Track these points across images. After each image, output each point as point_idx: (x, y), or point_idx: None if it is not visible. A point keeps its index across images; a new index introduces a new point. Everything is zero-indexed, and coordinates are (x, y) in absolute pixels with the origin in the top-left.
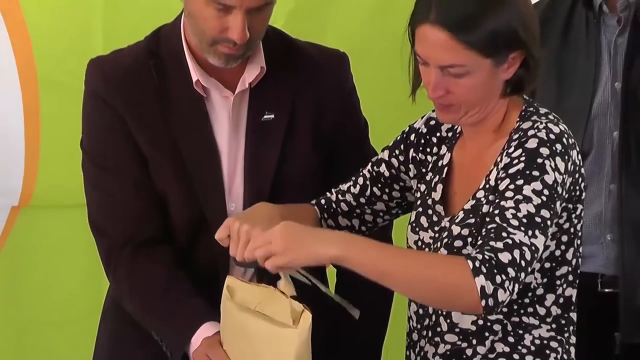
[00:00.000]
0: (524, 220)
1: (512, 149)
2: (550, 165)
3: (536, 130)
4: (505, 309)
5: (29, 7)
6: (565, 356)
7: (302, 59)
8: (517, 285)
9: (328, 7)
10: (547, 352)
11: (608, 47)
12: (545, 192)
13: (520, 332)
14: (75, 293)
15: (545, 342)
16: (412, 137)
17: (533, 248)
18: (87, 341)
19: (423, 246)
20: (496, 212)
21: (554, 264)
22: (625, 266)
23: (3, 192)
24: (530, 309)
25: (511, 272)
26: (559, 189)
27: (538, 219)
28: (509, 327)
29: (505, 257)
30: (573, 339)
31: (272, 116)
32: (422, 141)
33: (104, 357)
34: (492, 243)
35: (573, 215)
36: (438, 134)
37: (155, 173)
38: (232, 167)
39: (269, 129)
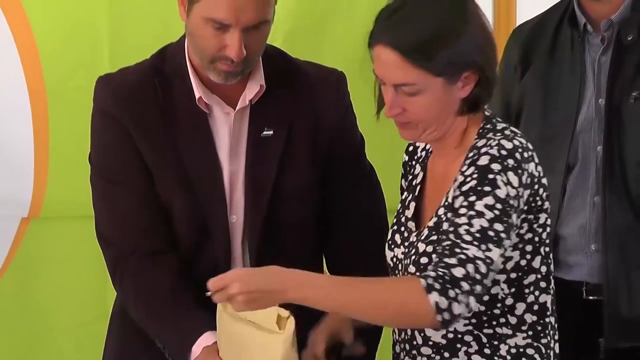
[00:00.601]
0: (477, 235)
1: (466, 167)
2: (502, 180)
3: (488, 148)
4: (474, 320)
5: (38, 26)
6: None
7: (301, 77)
8: (473, 298)
9: (324, 27)
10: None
11: (592, 65)
12: (498, 206)
13: (495, 342)
14: (83, 300)
15: (521, 350)
16: (403, 171)
17: (488, 261)
18: (95, 346)
19: (398, 262)
20: (451, 229)
21: (520, 274)
22: (609, 275)
23: (13, 204)
24: (502, 319)
25: (465, 285)
26: (513, 202)
27: (491, 233)
28: (484, 339)
29: (458, 272)
30: (553, 344)
31: (271, 132)
32: (407, 169)
33: (118, 353)
34: (446, 260)
35: (535, 225)
36: (416, 157)
37: (160, 186)
38: (233, 180)
39: (268, 144)
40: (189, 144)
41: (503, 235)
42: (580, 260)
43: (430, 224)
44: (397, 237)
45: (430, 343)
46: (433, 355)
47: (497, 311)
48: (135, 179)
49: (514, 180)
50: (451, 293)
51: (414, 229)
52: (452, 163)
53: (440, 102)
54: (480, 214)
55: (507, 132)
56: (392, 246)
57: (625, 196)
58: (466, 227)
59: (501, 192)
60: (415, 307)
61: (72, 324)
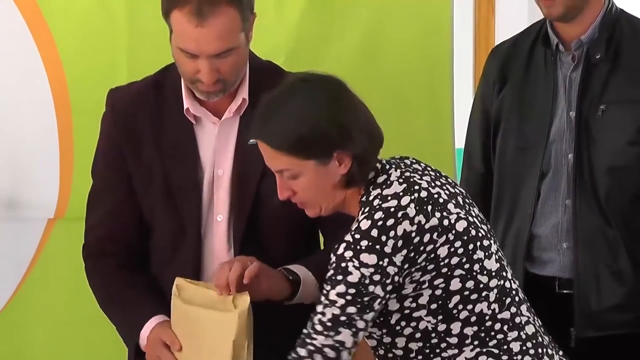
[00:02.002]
0: (328, 324)
1: (332, 253)
2: (354, 265)
3: (348, 232)
4: (420, 357)
5: (64, 47)
6: (505, 357)
7: None
8: None
9: (322, 48)
10: None
11: (564, 81)
12: (351, 291)
13: None
14: None
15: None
16: None
17: (337, 345)
18: (115, 333)
19: None
20: (310, 318)
21: (440, 302)
22: (579, 270)
23: (40, 206)
24: (443, 344)
25: None
26: (375, 277)
27: (343, 318)
28: None
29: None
30: (511, 336)
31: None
32: None
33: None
34: (298, 350)
35: (437, 257)
36: None
37: (143, 190)
38: (218, 182)
39: (253, 152)
40: (173, 151)
41: (356, 316)
42: (553, 257)
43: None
44: None
45: None
46: None
47: (434, 340)
48: (117, 186)
49: (370, 259)
50: None
51: None
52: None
53: (318, 182)
54: (332, 302)
55: (375, 201)
56: None
57: (594, 199)
58: (319, 316)
59: (353, 278)
60: None
61: (95, 315)
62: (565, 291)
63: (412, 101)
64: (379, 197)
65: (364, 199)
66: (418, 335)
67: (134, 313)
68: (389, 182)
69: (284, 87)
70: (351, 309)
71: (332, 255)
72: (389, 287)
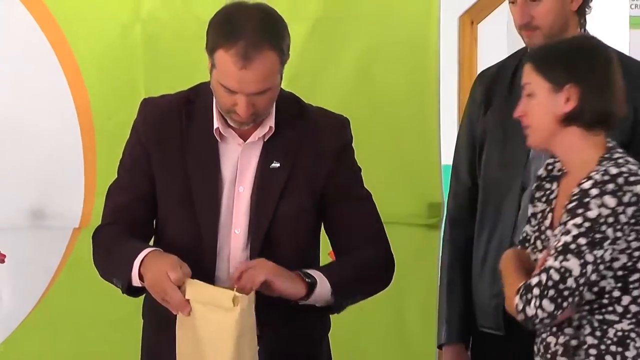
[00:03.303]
0: (559, 249)
1: (576, 189)
2: (596, 203)
3: (595, 173)
4: (587, 307)
5: (87, 74)
6: None
7: (308, 121)
8: (546, 301)
9: (321, 74)
10: (627, 341)
11: None
12: (586, 224)
13: (605, 327)
14: (125, 297)
15: (626, 333)
16: (536, 182)
17: (562, 270)
18: (134, 334)
19: None
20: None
21: (626, 272)
22: None
23: (66, 217)
24: (610, 308)
25: (535, 291)
26: (608, 219)
27: (573, 246)
28: (595, 324)
29: (534, 280)
30: None
31: (278, 165)
32: (541, 182)
33: (150, 345)
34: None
35: None
36: (552, 174)
37: (162, 193)
38: (239, 200)
39: (274, 174)
40: (198, 166)
41: (585, 248)
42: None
43: (556, 231)
44: (539, 243)
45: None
46: (559, 334)
47: (605, 301)
48: (136, 184)
49: (611, 202)
50: (525, 298)
51: (550, 236)
52: (576, 183)
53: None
54: (568, 231)
55: (620, 160)
56: (535, 250)
57: None
58: (555, 242)
59: (592, 213)
60: (513, 306)
61: (116, 316)
62: None
63: (403, 121)
64: (625, 159)
65: (607, 155)
66: (596, 289)
67: (128, 249)
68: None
69: None
70: (582, 240)
71: (576, 187)
72: (618, 234)
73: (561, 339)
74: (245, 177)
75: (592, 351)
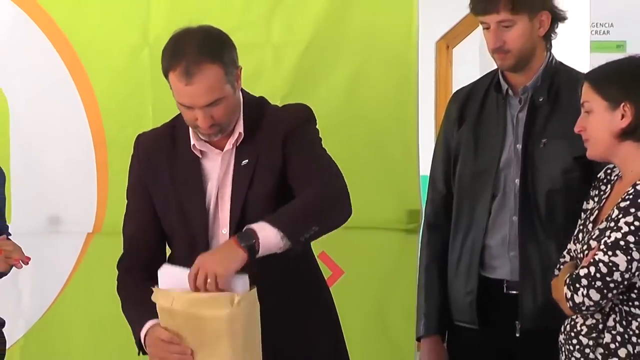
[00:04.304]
0: (609, 244)
1: (630, 188)
2: None
3: None
4: (618, 299)
5: (100, 93)
6: None
7: (269, 117)
8: (593, 291)
9: (312, 92)
10: None
11: (512, 120)
12: (637, 223)
13: (630, 318)
14: None
15: None
16: (595, 182)
17: (610, 264)
18: None
19: (576, 255)
20: (600, 238)
21: None
22: (523, 275)
23: (80, 222)
24: (636, 302)
25: (584, 281)
26: None
27: (622, 243)
28: (623, 314)
29: (583, 271)
30: None
31: (247, 161)
32: (599, 183)
33: None
34: (583, 262)
35: None
36: (608, 177)
37: (163, 213)
38: (222, 202)
39: (243, 170)
40: (184, 182)
41: (633, 245)
42: (502, 263)
43: (601, 226)
44: (580, 236)
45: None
46: (595, 320)
47: (634, 295)
48: (141, 213)
49: None
50: (573, 287)
51: (591, 229)
52: (628, 187)
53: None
54: (618, 229)
55: None
56: (575, 241)
57: (536, 217)
58: (605, 238)
59: None
60: (562, 295)
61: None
62: (512, 291)
63: (385, 135)
64: None
65: None
66: (626, 283)
67: (138, 315)
68: None
69: None
70: (631, 238)
71: (631, 188)
72: None
73: (588, 321)
74: (227, 180)
75: (618, 337)
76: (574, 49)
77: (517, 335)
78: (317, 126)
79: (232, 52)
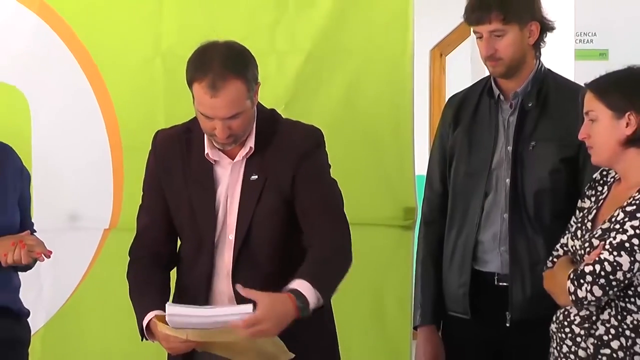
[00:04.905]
0: (615, 245)
1: (636, 193)
2: None
3: None
4: (615, 295)
5: (116, 99)
6: None
7: (281, 135)
8: (596, 287)
9: (314, 98)
10: (639, 331)
11: (503, 123)
12: None
13: (625, 313)
14: None
15: (639, 323)
16: (592, 183)
17: (614, 263)
18: None
19: (575, 251)
20: (605, 237)
21: None
22: (513, 268)
23: (98, 219)
24: (632, 299)
25: (588, 278)
26: None
27: (627, 244)
28: (618, 309)
29: (588, 268)
30: None
31: (257, 177)
32: (595, 185)
33: None
34: (586, 259)
35: None
36: (605, 179)
37: (174, 214)
38: (230, 209)
39: (253, 185)
40: (197, 186)
41: (637, 248)
42: (493, 258)
43: (604, 226)
44: (579, 233)
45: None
46: (589, 312)
47: (630, 292)
48: (153, 208)
49: None
50: (577, 282)
51: (590, 228)
52: (630, 190)
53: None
54: (624, 231)
55: None
56: (574, 237)
57: (525, 214)
58: (611, 239)
59: None
60: (560, 287)
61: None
62: (502, 284)
63: (382, 138)
64: None
65: None
66: (626, 282)
67: (142, 303)
68: None
69: None
70: (635, 241)
71: (637, 193)
72: None
73: (582, 312)
74: (235, 190)
75: (612, 330)
76: (560, 56)
77: (507, 324)
78: (325, 149)
79: (254, 69)
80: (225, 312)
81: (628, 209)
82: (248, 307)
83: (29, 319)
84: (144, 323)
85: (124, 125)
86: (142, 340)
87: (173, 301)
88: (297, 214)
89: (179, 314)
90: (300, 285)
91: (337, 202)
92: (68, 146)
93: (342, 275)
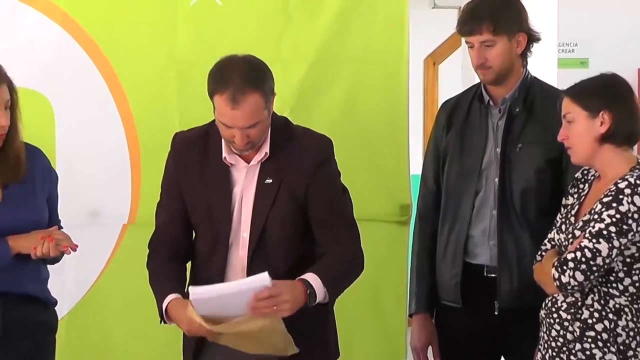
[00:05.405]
0: (594, 233)
1: (612, 186)
2: (627, 200)
3: (629, 176)
4: (597, 281)
5: (134, 104)
6: (634, 319)
7: (295, 143)
8: (578, 273)
9: (316, 102)
10: (622, 314)
11: (493, 127)
12: (617, 216)
13: (607, 298)
14: None
15: (622, 307)
16: (574, 181)
17: (594, 250)
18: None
19: (560, 243)
20: (585, 227)
21: (632, 260)
22: (501, 261)
23: (117, 215)
24: (614, 284)
25: (571, 264)
26: (634, 215)
27: (604, 232)
28: (601, 293)
29: (570, 256)
30: None
31: (271, 181)
32: (577, 183)
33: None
34: (569, 247)
35: None
36: (586, 178)
37: (191, 212)
38: (245, 210)
39: (267, 189)
40: (214, 187)
41: (614, 235)
42: (483, 251)
43: (584, 218)
44: (563, 227)
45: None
46: (574, 298)
47: (612, 278)
48: (171, 205)
49: (638, 201)
50: (561, 269)
51: (574, 222)
52: (608, 184)
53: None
54: (602, 220)
55: None
56: (559, 231)
57: (512, 211)
58: (590, 228)
59: (623, 208)
60: (548, 276)
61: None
62: (491, 275)
63: (380, 140)
64: None
65: (637, 167)
66: (607, 267)
67: (161, 288)
68: None
69: None
70: (612, 229)
71: (612, 185)
72: (639, 228)
73: (568, 299)
74: (250, 192)
75: (595, 314)
76: (544, 65)
77: (496, 313)
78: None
79: (270, 81)
80: (245, 282)
81: (605, 200)
82: (264, 276)
83: (55, 307)
84: (164, 306)
85: (141, 128)
86: (160, 322)
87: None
88: (311, 221)
89: (202, 293)
90: (310, 277)
91: (349, 210)
92: (89, 148)
93: (352, 280)
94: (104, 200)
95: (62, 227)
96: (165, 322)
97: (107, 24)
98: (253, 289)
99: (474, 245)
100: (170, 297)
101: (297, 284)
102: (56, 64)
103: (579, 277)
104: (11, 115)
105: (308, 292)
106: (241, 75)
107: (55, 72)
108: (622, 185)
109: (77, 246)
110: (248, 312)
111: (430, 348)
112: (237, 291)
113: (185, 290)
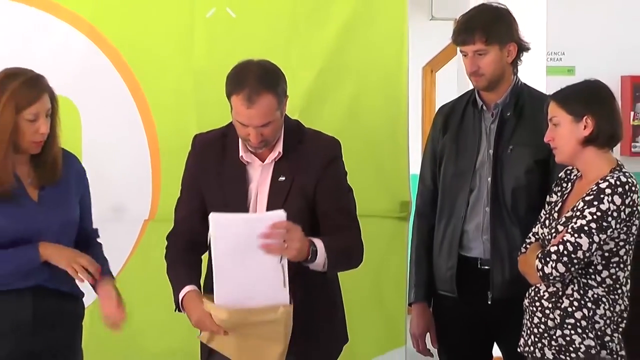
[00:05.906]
0: (576, 228)
1: (593, 186)
2: (608, 199)
3: (610, 177)
4: (578, 272)
5: (155, 109)
6: (611, 308)
7: (306, 144)
8: (560, 265)
9: (323, 107)
10: (599, 303)
11: (486, 130)
12: (598, 214)
13: (586, 289)
14: None
15: (599, 297)
16: (558, 181)
17: (575, 244)
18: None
19: (544, 237)
20: (568, 223)
21: (609, 254)
22: (493, 254)
23: (139, 211)
24: (592, 276)
25: (553, 257)
26: (613, 213)
27: (586, 228)
28: (581, 284)
29: (553, 248)
30: (621, 301)
31: (284, 179)
32: (561, 182)
33: None
34: (552, 241)
35: (629, 230)
36: (569, 177)
37: (210, 206)
38: (260, 205)
39: (280, 186)
40: (231, 184)
41: (595, 230)
42: (477, 245)
43: (567, 215)
44: (547, 222)
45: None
46: (555, 288)
47: (590, 270)
48: (190, 201)
49: (618, 200)
50: (544, 260)
51: (557, 217)
52: (590, 184)
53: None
54: (584, 217)
55: (626, 173)
56: (542, 226)
57: (504, 208)
58: (572, 224)
59: (603, 206)
60: (531, 267)
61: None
62: (484, 267)
63: (381, 142)
64: (629, 173)
65: (617, 168)
66: (586, 260)
67: (179, 279)
68: (630, 173)
69: None
70: (593, 225)
71: (594, 185)
72: (617, 225)
73: (550, 289)
74: (264, 189)
75: (575, 303)
76: (533, 72)
77: (489, 302)
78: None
79: (283, 84)
80: (263, 213)
81: (587, 198)
82: (281, 212)
83: (83, 299)
84: (180, 296)
85: (161, 132)
86: (175, 310)
87: (205, 282)
88: (318, 215)
89: (223, 217)
90: (316, 240)
91: (353, 207)
92: (113, 149)
93: (348, 266)
94: (126, 197)
95: (96, 230)
96: (179, 311)
97: (129, 36)
98: (270, 220)
99: (469, 240)
100: (187, 288)
101: (306, 238)
102: (83, 72)
103: (561, 268)
104: (51, 123)
105: (313, 249)
106: (256, 78)
107: (82, 80)
108: (603, 185)
109: (97, 279)
110: (260, 244)
111: (428, 334)
112: (255, 218)
113: (201, 281)
